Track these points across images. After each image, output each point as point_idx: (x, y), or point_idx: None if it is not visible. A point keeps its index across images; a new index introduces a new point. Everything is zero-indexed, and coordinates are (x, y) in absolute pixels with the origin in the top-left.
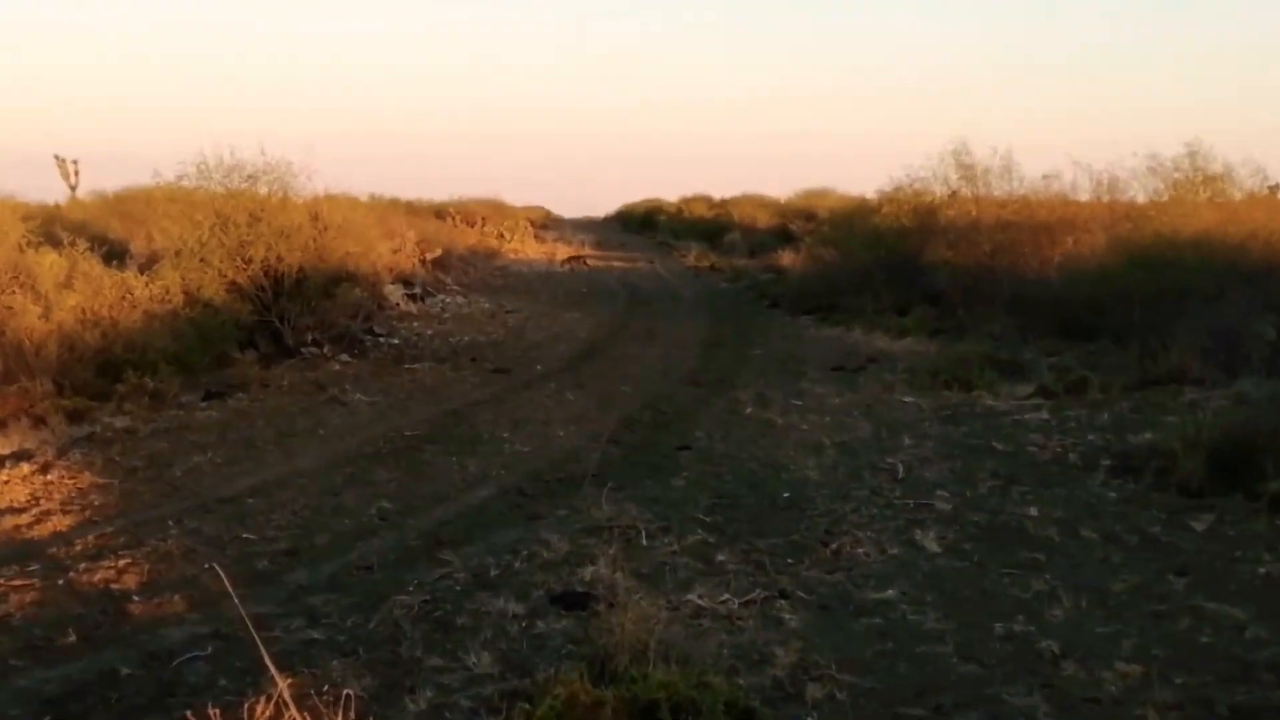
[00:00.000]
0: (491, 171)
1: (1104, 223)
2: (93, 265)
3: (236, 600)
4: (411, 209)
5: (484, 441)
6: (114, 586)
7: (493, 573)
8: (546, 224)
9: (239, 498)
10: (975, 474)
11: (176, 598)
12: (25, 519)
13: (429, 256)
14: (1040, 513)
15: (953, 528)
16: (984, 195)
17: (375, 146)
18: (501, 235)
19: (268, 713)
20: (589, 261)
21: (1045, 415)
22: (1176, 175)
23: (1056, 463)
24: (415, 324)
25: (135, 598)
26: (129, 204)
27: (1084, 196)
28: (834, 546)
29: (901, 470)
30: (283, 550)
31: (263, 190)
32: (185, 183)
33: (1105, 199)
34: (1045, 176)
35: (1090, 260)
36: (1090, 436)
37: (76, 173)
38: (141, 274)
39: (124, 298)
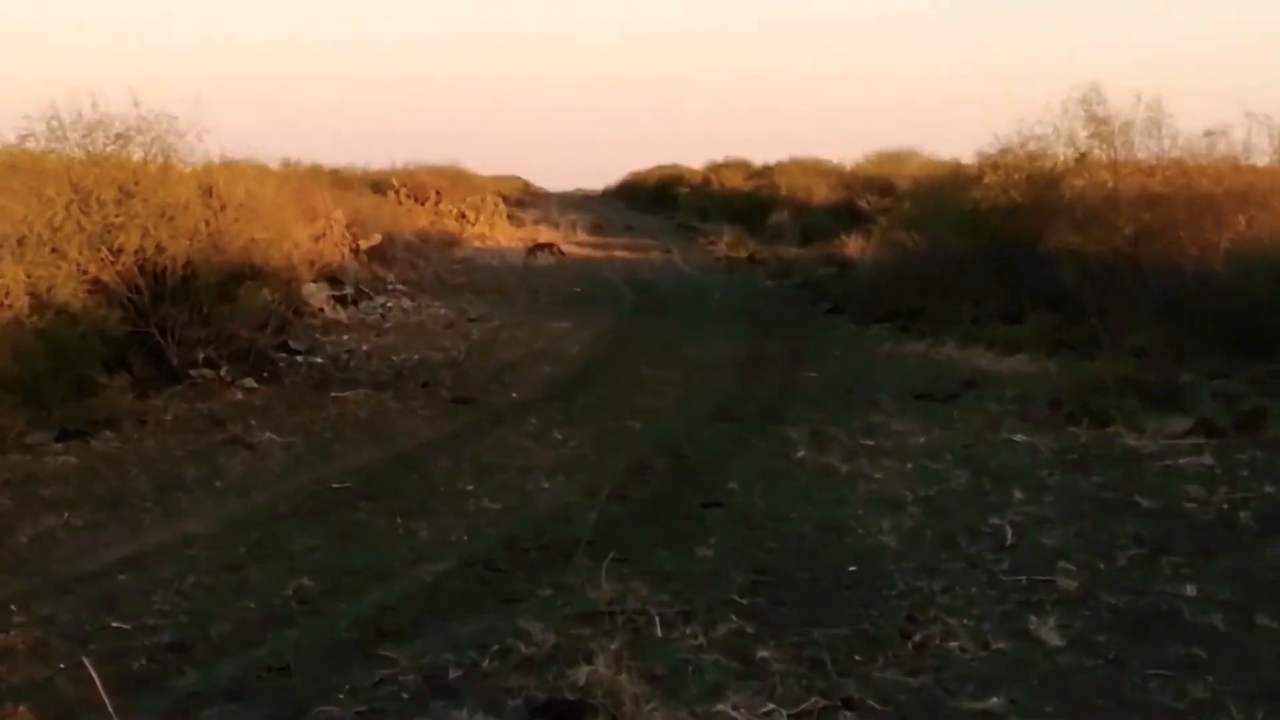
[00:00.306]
0: (450, 130)
1: None
2: None
3: (111, 710)
4: (340, 180)
5: (440, 497)
6: None
7: (452, 674)
8: (525, 200)
9: (107, 573)
10: (1111, 540)
11: (22, 709)
12: None
13: (364, 245)
14: (1200, 592)
15: (1080, 613)
16: (1124, 159)
17: (290, 96)
18: (463, 216)
19: None
20: (567, 249)
21: (1208, 460)
22: None
23: (1223, 524)
24: (345, 337)
25: None
26: None
27: (1263, 160)
28: (918, 638)
29: (1011, 535)
30: (166, 644)
31: (137, 155)
32: (30, 145)
33: None
34: (1208, 133)
35: (1271, 247)
36: (1268, 488)
37: None
38: None
39: None
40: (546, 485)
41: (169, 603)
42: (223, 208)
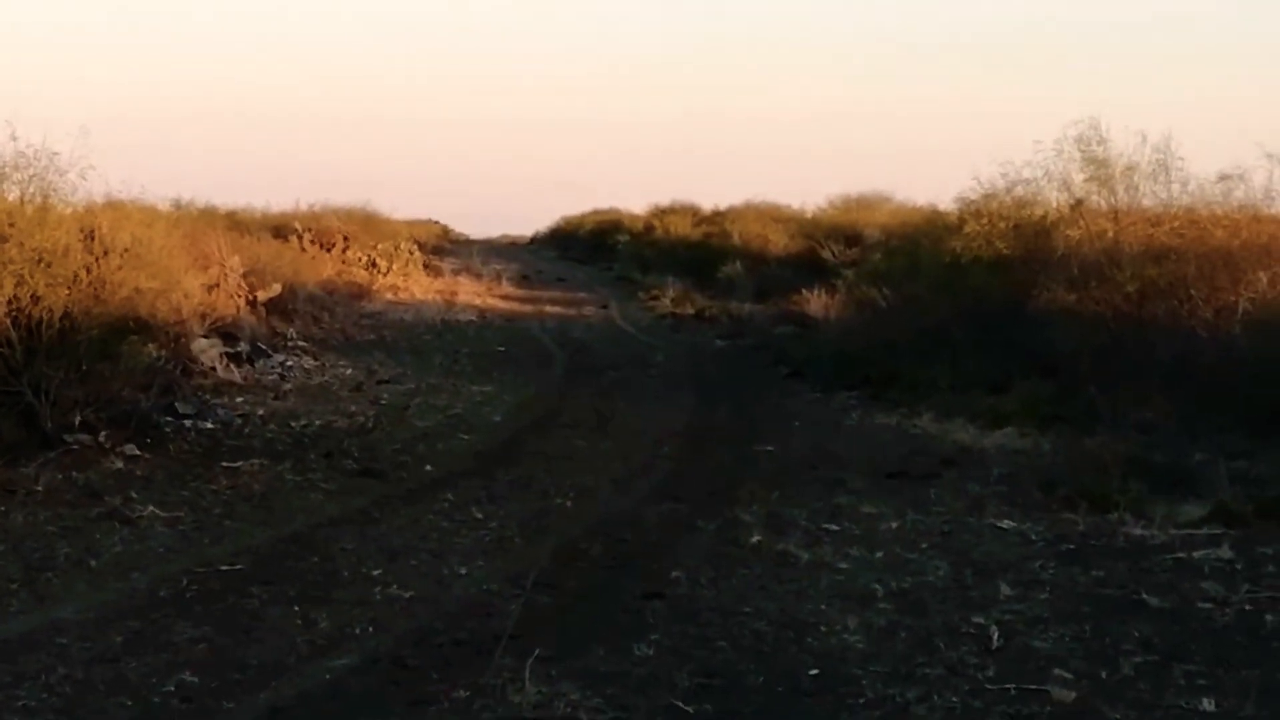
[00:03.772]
0: (361, 170)
1: None
2: None
3: None
4: (237, 223)
5: (343, 583)
6: None
7: None
8: (444, 247)
9: None
10: (1115, 645)
11: None
12: None
13: (262, 296)
14: (1220, 708)
15: None
16: (1126, 206)
17: (183, 132)
18: (374, 264)
19: None
20: (491, 303)
21: (1227, 553)
22: None
23: (1244, 629)
24: (239, 399)
25: None
26: None
27: None
28: None
29: (998, 637)
30: None
31: (12, 195)
32: None
33: None
34: (1223, 178)
35: None
36: None
37: None
38: None
39: None
40: (464, 571)
41: (35, 699)
42: (105, 253)
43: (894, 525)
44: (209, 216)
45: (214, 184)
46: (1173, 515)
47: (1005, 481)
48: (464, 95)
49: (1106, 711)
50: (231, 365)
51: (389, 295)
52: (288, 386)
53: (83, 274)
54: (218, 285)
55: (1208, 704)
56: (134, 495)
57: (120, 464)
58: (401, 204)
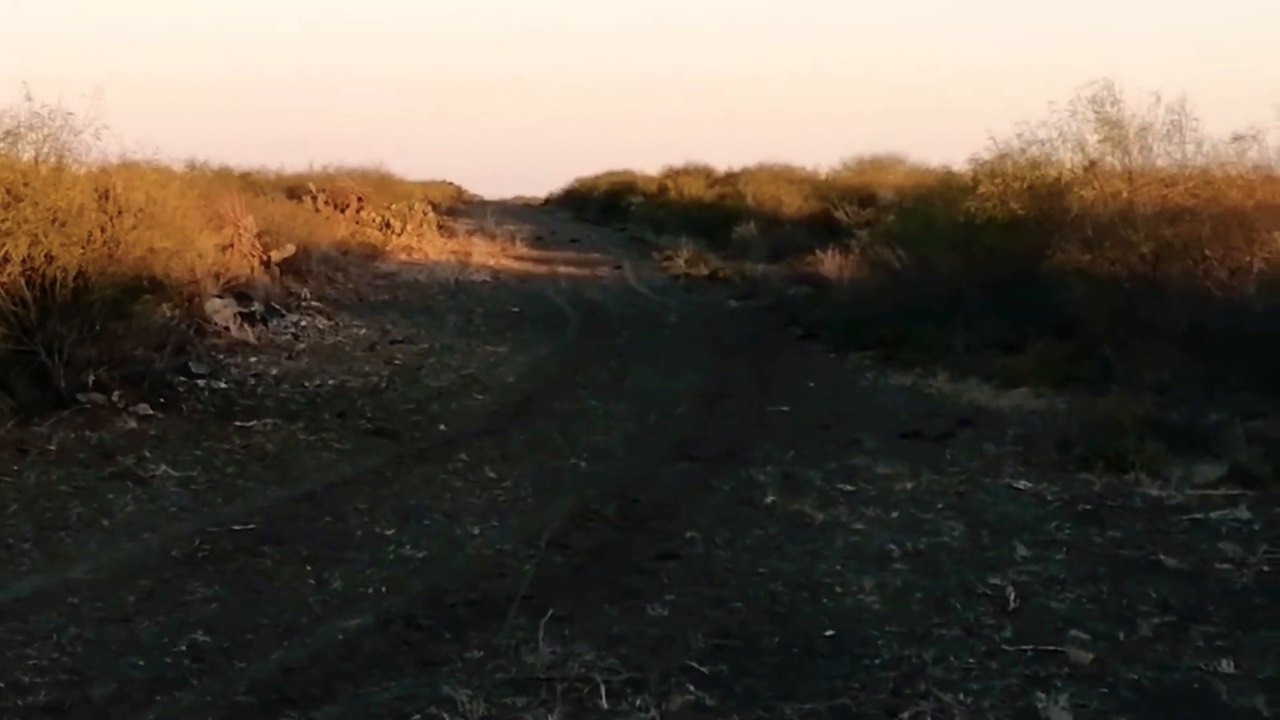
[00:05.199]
0: (376, 131)
1: None
2: None
3: None
4: (251, 184)
5: (355, 543)
6: None
7: None
8: (458, 208)
9: None
10: (1132, 605)
11: None
12: None
13: (276, 256)
14: (1239, 669)
15: (1096, 691)
16: (1140, 167)
17: (199, 91)
18: (388, 225)
19: None
20: (505, 263)
21: (1245, 513)
22: None
23: (1263, 589)
24: (253, 359)
25: None
26: None
27: None
28: (906, 717)
29: (1014, 597)
30: (41, 706)
31: (27, 155)
32: None
33: None
34: (1237, 138)
35: None
36: None
37: None
38: None
39: None
40: (477, 532)
41: (46, 658)
42: (119, 213)
43: (909, 486)
44: (223, 177)
45: (229, 145)
46: (1189, 475)
47: (1021, 442)
48: (478, 54)
49: (1124, 672)
50: (245, 325)
51: (403, 256)
52: (301, 346)
53: (97, 234)
54: (232, 246)
55: (1226, 665)
56: (147, 455)
57: (133, 423)
58: (416, 165)
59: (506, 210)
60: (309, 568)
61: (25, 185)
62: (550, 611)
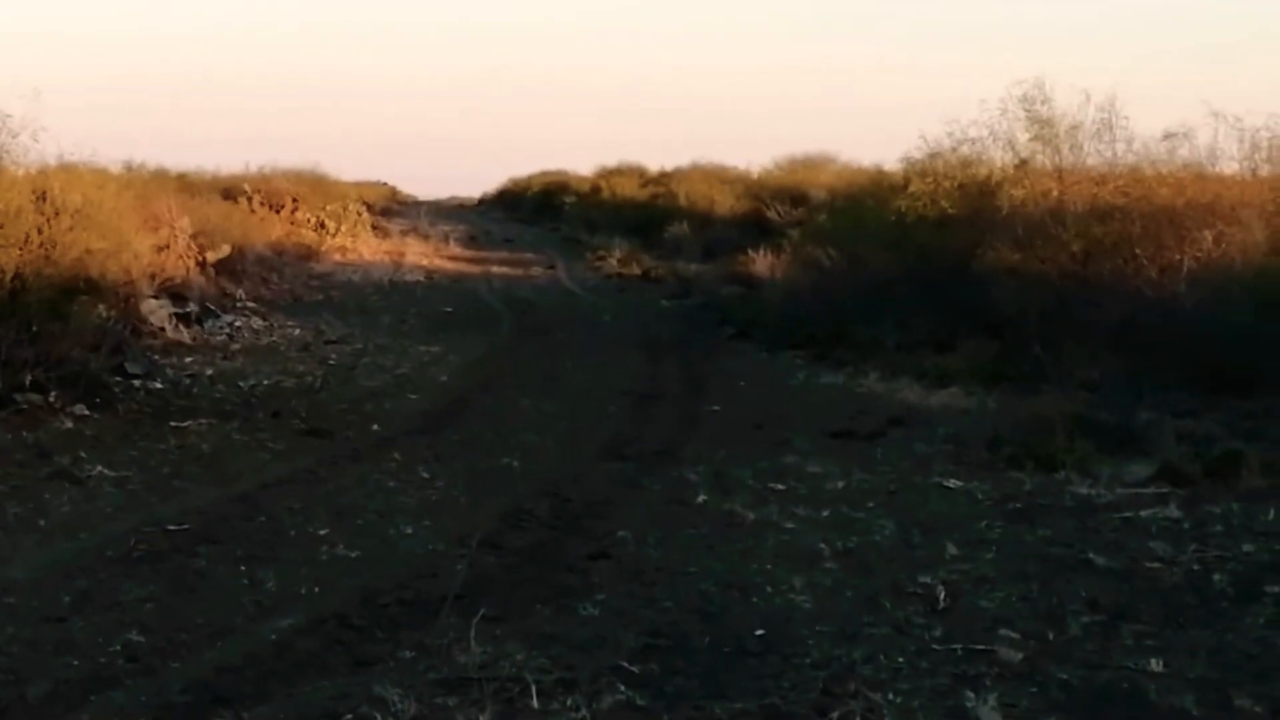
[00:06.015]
0: (310, 132)
1: (1264, 209)
2: None
3: None
4: (187, 185)
5: (289, 543)
6: None
7: None
8: (392, 209)
9: None
10: (1062, 604)
11: None
12: None
13: (211, 257)
14: (1168, 668)
15: (1026, 690)
16: (1071, 166)
17: (136, 95)
18: (322, 226)
19: None
20: (439, 263)
21: (1174, 512)
22: None
23: (1193, 588)
24: (189, 359)
25: None
26: None
27: (1231, 168)
28: (835, 716)
29: (944, 596)
30: None
31: None
32: None
33: (1266, 172)
34: (1168, 136)
35: (1243, 267)
36: (1246, 547)
37: None
38: None
39: None
40: (410, 531)
41: None
42: (56, 214)
43: (840, 485)
44: (160, 178)
45: (166, 146)
46: (1119, 474)
47: (951, 440)
48: (412, 55)
49: (1054, 671)
50: (180, 326)
51: (337, 256)
52: (236, 347)
53: (34, 235)
54: (167, 246)
55: (1155, 664)
56: (83, 455)
57: (70, 424)
58: (350, 166)
59: (441, 210)
60: (243, 568)
61: None
62: (482, 611)
